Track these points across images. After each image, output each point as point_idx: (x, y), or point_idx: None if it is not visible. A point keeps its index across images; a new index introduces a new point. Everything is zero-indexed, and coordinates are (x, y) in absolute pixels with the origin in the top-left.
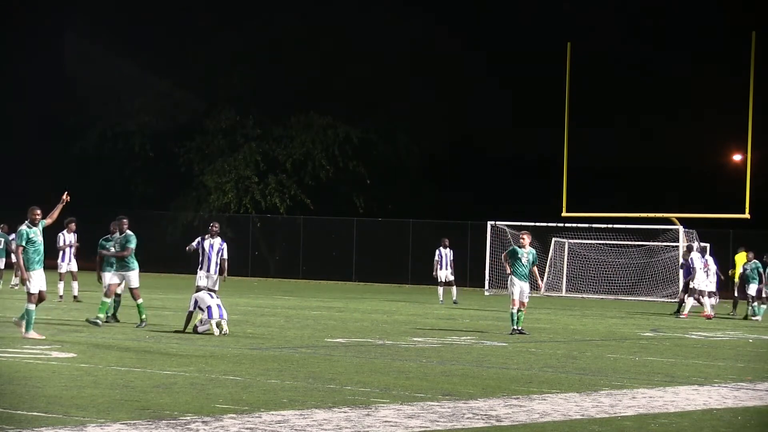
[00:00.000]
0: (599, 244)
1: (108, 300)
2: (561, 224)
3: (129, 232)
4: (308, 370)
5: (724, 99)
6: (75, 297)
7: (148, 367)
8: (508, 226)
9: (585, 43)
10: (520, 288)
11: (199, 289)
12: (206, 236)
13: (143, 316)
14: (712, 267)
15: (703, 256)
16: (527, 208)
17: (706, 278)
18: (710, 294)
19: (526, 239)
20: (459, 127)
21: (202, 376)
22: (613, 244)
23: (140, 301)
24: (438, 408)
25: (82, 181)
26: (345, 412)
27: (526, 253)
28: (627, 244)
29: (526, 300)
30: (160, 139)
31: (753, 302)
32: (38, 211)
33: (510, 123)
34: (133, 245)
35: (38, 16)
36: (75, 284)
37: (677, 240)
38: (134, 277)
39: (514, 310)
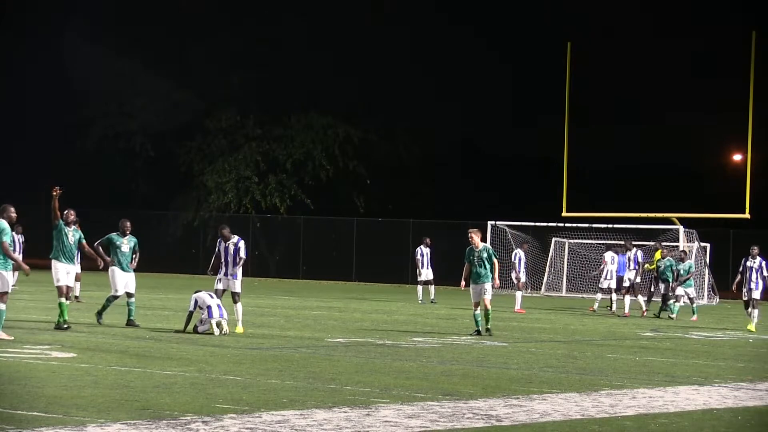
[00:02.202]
0: (599, 244)
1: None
2: (561, 224)
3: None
4: (308, 370)
5: (724, 99)
6: (76, 297)
7: (148, 367)
8: (508, 226)
9: (585, 43)
10: (474, 290)
11: (217, 292)
12: (219, 240)
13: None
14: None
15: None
16: (527, 208)
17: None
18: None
19: (475, 237)
20: (459, 127)
21: (202, 376)
22: (613, 244)
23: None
24: (438, 408)
25: (83, 181)
26: (345, 412)
27: (478, 251)
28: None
29: (486, 298)
30: (161, 139)
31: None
32: (12, 209)
33: (510, 123)
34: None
35: (39, 16)
36: (77, 284)
37: (677, 240)
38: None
39: (476, 312)
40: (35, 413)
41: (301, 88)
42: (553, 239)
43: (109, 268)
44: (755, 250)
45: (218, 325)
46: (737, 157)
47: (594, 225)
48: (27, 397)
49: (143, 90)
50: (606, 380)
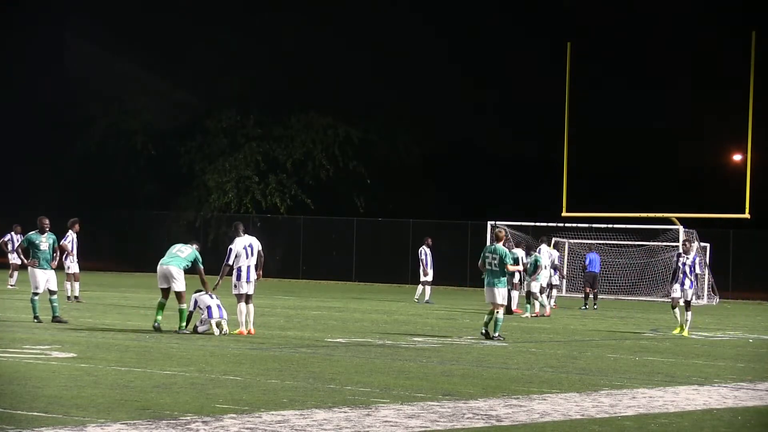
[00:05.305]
0: (599, 244)
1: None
2: (561, 224)
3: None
4: (308, 370)
5: (723, 99)
6: (76, 297)
7: (148, 367)
8: (508, 226)
9: (585, 43)
10: (499, 293)
11: (239, 298)
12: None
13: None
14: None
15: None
16: (527, 208)
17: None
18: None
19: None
20: (459, 127)
21: (202, 376)
22: (613, 244)
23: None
24: (438, 408)
25: (83, 181)
26: (345, 412)
27: (491, 252)
28: (627, 244)
29: (498, 302)
30: (162, 139)
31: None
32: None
33: (510, 123)
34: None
35: (39, 16)
36: (76, 285)
37: (677, 240)
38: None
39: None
40: (35, 413)
41: (301, 88)
42: (553, 239)
43: (29, 268)
44: (687, 244)
45: (218, 325)
46: (737, 157)
47: (594, 225)
48: (27, 397)
49: (143, 90)
50: (606, 380)
